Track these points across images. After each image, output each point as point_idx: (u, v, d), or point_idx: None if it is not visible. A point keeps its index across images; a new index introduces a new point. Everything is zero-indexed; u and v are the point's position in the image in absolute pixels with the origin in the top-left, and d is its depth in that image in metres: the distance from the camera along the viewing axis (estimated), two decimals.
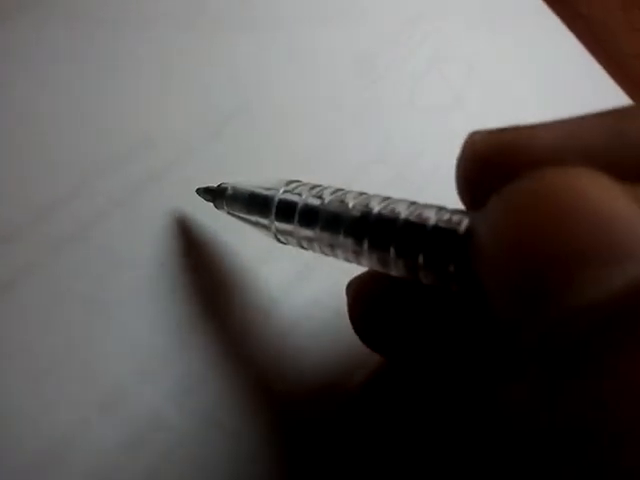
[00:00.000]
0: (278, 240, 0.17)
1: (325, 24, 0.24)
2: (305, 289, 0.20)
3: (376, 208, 0.14)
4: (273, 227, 0.16)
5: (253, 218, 0.17)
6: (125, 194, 0.19)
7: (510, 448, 0.10)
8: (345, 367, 0.20)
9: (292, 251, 0.17)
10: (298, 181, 0.16)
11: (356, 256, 0.14)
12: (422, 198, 0.13)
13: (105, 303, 0.18)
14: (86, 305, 0.17)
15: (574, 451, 0.08)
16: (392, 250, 0.13)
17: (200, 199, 0.19)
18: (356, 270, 0.15)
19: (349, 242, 0.14)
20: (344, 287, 0.16)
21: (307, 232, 0.15)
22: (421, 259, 0.12)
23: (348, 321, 0.16)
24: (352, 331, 0.16)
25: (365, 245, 0.14)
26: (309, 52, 0.24)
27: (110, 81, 0.20)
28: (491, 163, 0.11)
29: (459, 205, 0.13)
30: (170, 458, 0.17)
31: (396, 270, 0.13)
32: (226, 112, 0.21)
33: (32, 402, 0.16)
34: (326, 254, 0.15)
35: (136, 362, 0.17)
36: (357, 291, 0.16)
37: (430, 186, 0.24)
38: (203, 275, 0.19)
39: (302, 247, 0.16)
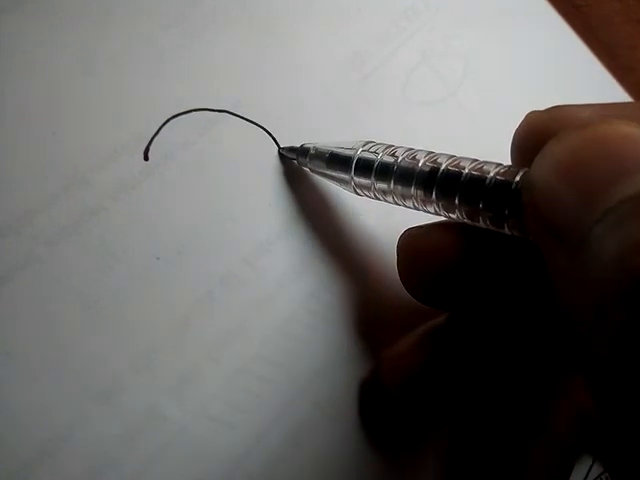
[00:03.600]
0: (356, 192, 0.19)
1: (317, 19, 0.24)
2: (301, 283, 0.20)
3: (444, 164, 0.16)
4: (352, 182, 0.19)
5: (334, 173, 0.19)
6: (120, 188, 0.19)
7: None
8: (339, 360, 0.20)
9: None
10: (373, 141, 0.19)
11: (424, 204, 0.17)
12: None
13: (101, 297, 0.18)
14: (82, 299, 0.17)
15: None
16: (457, 198, 0.15)
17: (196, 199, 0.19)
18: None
19: (419, 193, 0.16)
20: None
21: (383, 185, 0.18)
22: (481, 205, 0.15)
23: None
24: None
25: (433, 195, 0.16)
26: (302, 48, 0.24)
27: (103, 76, 0.20)
28: (544, 130, 0.14)
29: None
30: (167, 452, 0.17)
31: (459, 215, 0.16)
32: (221, 107, 0.21)
33: (29, 397, 0.16)
34: (398, 204, 0.18)
35: (133, 356, 0.17)
36: (409, 246, 0.18)
37: None
38: (200, 270, 0.19)
39: (377, 198, 0.18)
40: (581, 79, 0.30)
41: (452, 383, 0.18)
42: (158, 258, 0.19)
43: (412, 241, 0.18)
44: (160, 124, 0.20)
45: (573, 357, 0.14)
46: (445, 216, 0.16)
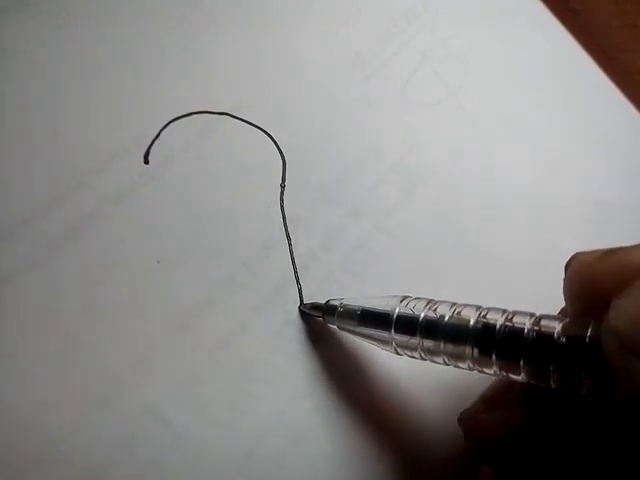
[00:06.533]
0: (396, 352, 0.18)
1: (319, 20, 0.24)
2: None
3: (499, 321, 0.15)
4: (394, 341, 0.17)
5: (369, 332, 0.18)
6: (120, 191, 0.19)
7: None
8: None
9: None
10: (409, 296, 0.18)
11: (481, 365, 0.15)
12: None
13: (101, 300, 0.18)
14: (82, 302, 0.17)
15: None
16: (522, 361, 0.14)
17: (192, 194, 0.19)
18: None
19: (475, 352, 0.15)
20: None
21: (430, 344, 0.16)
22: (552, 367, 0.14)
23: None
24: None
25: (493, 356, 0.15)
26: (303, 49, 0.24)
27: (103, 78, 0.20)
28: (602, 281, 0.14)
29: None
30: (168, 453, 0.17)
31: (525, 377, 0.15)
32: (222, 109, 0.21)
33: (30, 399, 0.16)
34: (448, 364, 0.16)
35: (134, 358, 0.17)
36: (473, 425, 0.17)
37: (424, 181, 0.24)
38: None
39: (422, 358, 0.17)
40: (579, 82, 0.30)
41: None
42: (158, 262, 0.19)
43: (473, 419, 0.17)
44: (161, 127, 0.20)
45: None
46: (505, 377, 0.15)
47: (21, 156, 0.18)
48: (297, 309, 0.20)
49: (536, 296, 0.23)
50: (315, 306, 0.20)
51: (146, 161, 0.20)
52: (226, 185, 0.21)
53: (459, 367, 0.16)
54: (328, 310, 0.19)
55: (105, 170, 0.19)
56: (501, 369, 0.15)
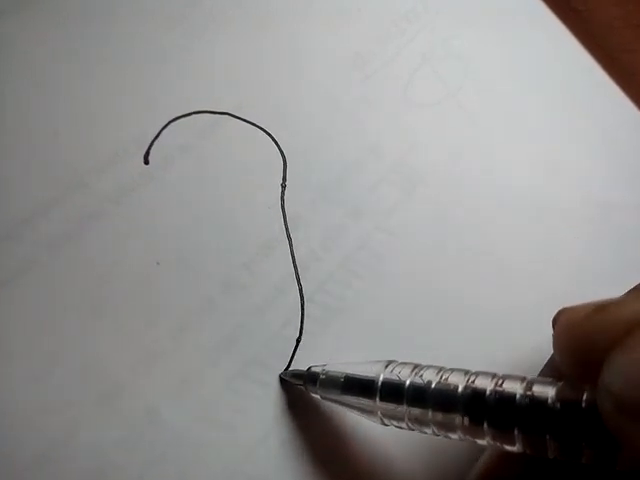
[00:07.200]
0: (382, 422, 0.17)
1: (319, 20, 0.24)
2: None
3: (489, 386, 0.14)
4: (379, 410, 0.16)
5: (353, 401, 0.17)
6: (120, 192, 0.19)
7: None
8: None
9: None
10: (395, 360, 0.17)
11: (473, 435, 0.15)
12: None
13: (101, 301, 0.18)
14: (83, 303, 0.17)
15: None
16: (516, 430, 0.13)
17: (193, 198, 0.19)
18: None
19: (466, 421, 0.14)
20: None
21: (417, 412, 0.15)
22: (549, 436, 0.13)
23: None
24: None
25: (485, 425, 0.14)
26: (303, 49, 0.24)
27: (103, 78, 0.20)
28: (592, 340, 0.13)
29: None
30: (168, 455, 0.17)
31: (521, 447, 0.14)
32: (222, 109, 0.21)
33: (30, 400, 0.16)
34: (438, 435, 0.15)
35: (134, 359, 0.17)
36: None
37: (424, 181, 0.24)
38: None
39: (410, 429, 0.16)
40: (580, 83, 0.30)
41: None
42: (158, 263, 0.19)
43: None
44: (161, 126, 0.20)
45: None
46: (500, 448, 0.14)
47: (21, 156, 0.18)
48: (298, 308, 0.20)
49: (536, 296, 0.23)
50: (296, 374, 0.19)
51: (146, 161, 0.20)
52: (226, 185, 0.20)
53: (449, 437, 0.15)
54: (310, 378, 0.18)
55: (105, 170, 0.19)
56: (494, 439, 0.14)
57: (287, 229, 0.21)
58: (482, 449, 0.16)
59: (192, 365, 0.18)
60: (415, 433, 0.16)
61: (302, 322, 0.20)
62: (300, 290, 0.20)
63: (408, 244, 0.22)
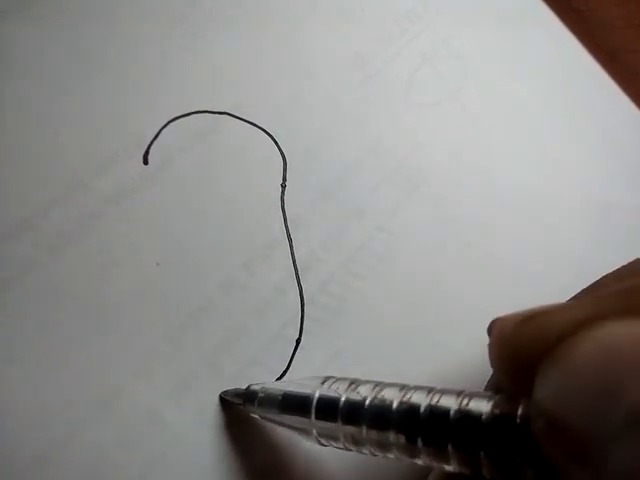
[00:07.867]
0: (319, 442, 0.16)
1: (319, 20, 0.24)
2: None
3: (423, 403, 0.13)
4: (314, 429, 0.15)
5: (290, 420, 0.16)
6: (120, 192, 0.19)
7: None
8: None
9: None
10: (333, 376, 0.16)
11: (411, 455, 0.14)
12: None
13: (101, 302, 0.18)
14: (82, 304, 0.17)
15: None
16: (450, 446, 0.13)
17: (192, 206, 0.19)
18: None
19: (401, 439, 0.14)
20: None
21: (352, 430, 0.14)
22: (483, 453, 0.12)
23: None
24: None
25: (419, 442, 0.13)
26: (304, 49, 0.24)
27: (103, 78, 0.20)
28: (523, 351, 0.12)
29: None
30: (167, 456, 0.17)
31: (457, 466, 0.13)
32: (222, 109, 0.21)
33: (30, 402, 0.16)
34: (375, 455, 0.15)
35: (133, 360, 0.17)
36: None
37: (425, 181, 0.24)
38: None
39: (348, 449, 0.15)
40: (581, 83, 0.30)
41: None
42: (158, 263, 0.19)
43: None
44: (160, 126, 0.20)
45: None
46: (439, 468, 0.14)
47: (21, 156, 0.18)
48: (298, 309, 0.20)
49: (536, 296, 0.23)
50: (237, 393, 0.18)
51: (145, 161, 0.20)
52: (226, 185, 0.20)
53: (388, 457, 0.14)
54: (248, 397, 0.17)
55: (105, 170, 0.19)
56: (430, 458, 0.13)
57: (287, 229, 0.21)
58: (427, 470, 0.15)
59: (192, 366, 0.18)
60: (357, 453, 0.15)
61: (302, 323, 0.20)
62: (300, 291, 0.20)
63: (408, 244, 0.22)
